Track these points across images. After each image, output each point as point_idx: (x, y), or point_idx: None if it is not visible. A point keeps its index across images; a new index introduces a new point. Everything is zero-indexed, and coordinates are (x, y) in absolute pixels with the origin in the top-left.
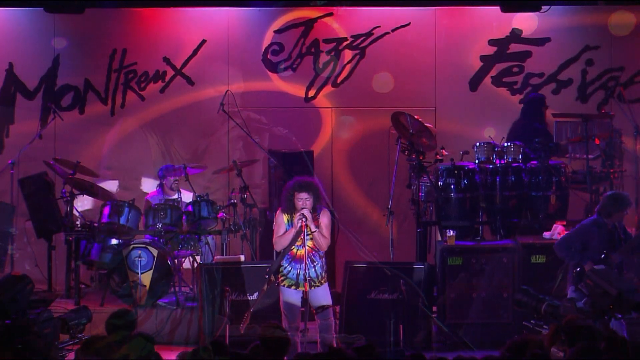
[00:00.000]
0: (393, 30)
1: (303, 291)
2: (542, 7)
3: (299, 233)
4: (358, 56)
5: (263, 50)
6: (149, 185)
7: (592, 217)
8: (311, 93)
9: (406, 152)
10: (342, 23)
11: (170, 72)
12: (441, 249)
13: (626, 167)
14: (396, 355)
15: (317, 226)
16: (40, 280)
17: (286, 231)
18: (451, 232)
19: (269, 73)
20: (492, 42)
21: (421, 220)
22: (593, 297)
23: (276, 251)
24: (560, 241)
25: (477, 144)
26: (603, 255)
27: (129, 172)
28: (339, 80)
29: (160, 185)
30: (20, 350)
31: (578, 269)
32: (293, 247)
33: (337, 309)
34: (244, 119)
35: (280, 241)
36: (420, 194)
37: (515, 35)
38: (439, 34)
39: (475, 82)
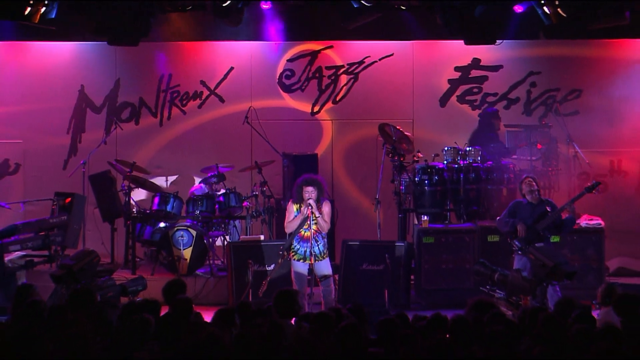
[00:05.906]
0: (380, 59)
1: (309, 264)
2: (497, 40)
3: (304, 220)
4: (352, 80)
5: (278, 75)
6: (190, 181)
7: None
8: (316, 109)
9: (390, 155)
10: (339, 54)
11: (206, 92)
12: (417, 231)
13: (561, 167)
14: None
15: (321, 213)
16: (105, 255)
17: (295, 217)
18: (425, 217)
19: (283, 93)
20: (457, 69)
21: (402, 208)
22: (534, 268)
23: (287, 233)
24: (499, 218)
25: (446, 148)
26: (529, 224)
27: (174, 170)
28: (337, 99)
29: (203, 181)
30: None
31: (512, 230)
32: (301, 229)
33: (336, 277)
34: (263, 128)
35: (289, 225)
36: (401, 187)
37: (475, 63)
38: (416, 62)
39: (444, 100)
